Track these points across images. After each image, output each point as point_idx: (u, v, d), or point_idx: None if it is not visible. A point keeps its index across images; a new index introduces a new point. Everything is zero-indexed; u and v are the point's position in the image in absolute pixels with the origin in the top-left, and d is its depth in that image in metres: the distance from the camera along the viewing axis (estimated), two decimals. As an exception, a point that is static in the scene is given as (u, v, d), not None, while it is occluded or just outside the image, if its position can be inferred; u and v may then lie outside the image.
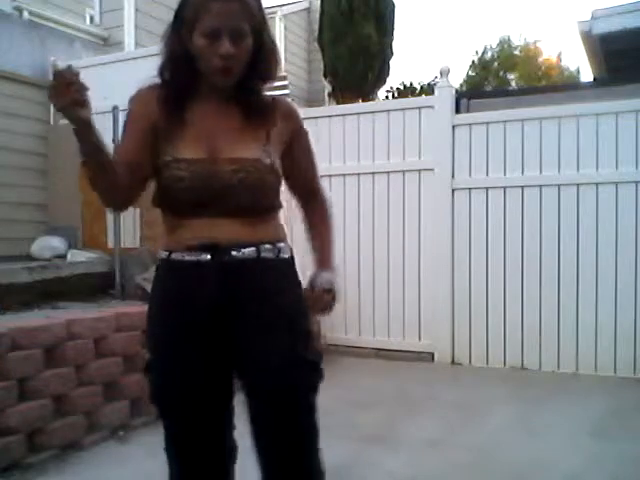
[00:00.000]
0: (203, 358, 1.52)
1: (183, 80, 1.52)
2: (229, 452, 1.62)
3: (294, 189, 1.69)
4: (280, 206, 1.60)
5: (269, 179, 1.52)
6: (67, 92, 1.30)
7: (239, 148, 1.50)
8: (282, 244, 1.57)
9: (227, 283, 1.48)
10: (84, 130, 1.37)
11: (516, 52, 23.04)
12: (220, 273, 1.48)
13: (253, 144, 1.51)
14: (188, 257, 1.49)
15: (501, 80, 21.77)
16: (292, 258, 1.60)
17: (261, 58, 1.52)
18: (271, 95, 1.60)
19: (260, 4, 1.52)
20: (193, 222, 1.49)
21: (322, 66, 10.09)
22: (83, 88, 1.33)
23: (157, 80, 1.56)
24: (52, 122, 6.09)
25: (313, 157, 1.68)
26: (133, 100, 1.58)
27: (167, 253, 1.53)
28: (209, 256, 1.47)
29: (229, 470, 1.63)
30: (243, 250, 1.49)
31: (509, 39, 23.13)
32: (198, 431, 1.55)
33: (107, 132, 6.17)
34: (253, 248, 1.50)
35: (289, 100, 1.70)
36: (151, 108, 1.52)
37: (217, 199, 1.47)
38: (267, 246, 1.53)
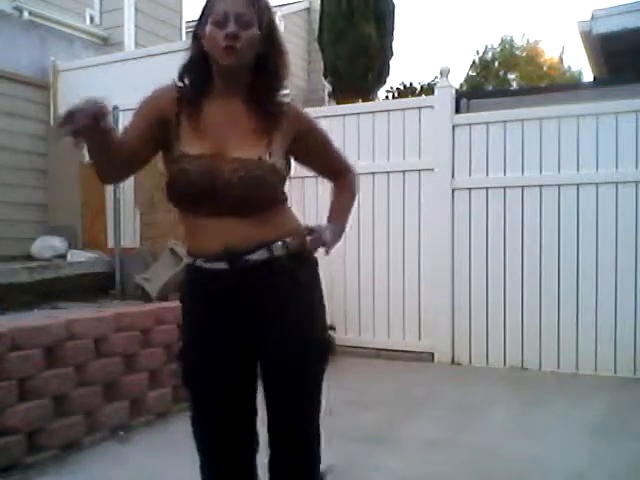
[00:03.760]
0: (225, 344, 1.66)
1: (199, 79, 1.64)
2: (252, 436, 1.73)
3: (321, 175, 1.93)
4: (284, 200, 1.69)
5: (269, 178, 1.60)
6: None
7: (242, 148, 1.59)
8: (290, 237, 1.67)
9: (243, 287, 1.62)
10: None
11: (518, 52, 23.00)
12: (236, 278, 1.60)
13: (256, 144, 1.60)
14: (207, 265, 1.62)
15: (501, 80, 21.75)
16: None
17: (270, 61, 1.63)
18: (286, 101, 1.71)
19: (269, 7, 1.65)
20: (206, 223, 1.60)
21: (322, 66, 10.10)
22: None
23: (174, 82, 1.68)
24: (52, 122, 6.09)
25: (330, 148, 1.84)
26: (149, 95, 1.69)
27: (192, 259, 1.67)
28: (225, 265, 1.60)
29: (253, 454, 1.74)
30: (255, 253, 1.60)
31: (511, 39, 23.10)
32: (223, 410, 1.68)
33: (107, 132, 6.06)
34: (264, 249, 1.61)
35: (299, 105, 1.82)
36: (164, 104, 1.64)
37: (220, 196, 1.56)
38: (278, 244, 1.62)
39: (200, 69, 1.63)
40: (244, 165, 1.56)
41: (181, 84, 1.66)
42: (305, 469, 1.68)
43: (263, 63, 1.63)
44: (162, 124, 1.62)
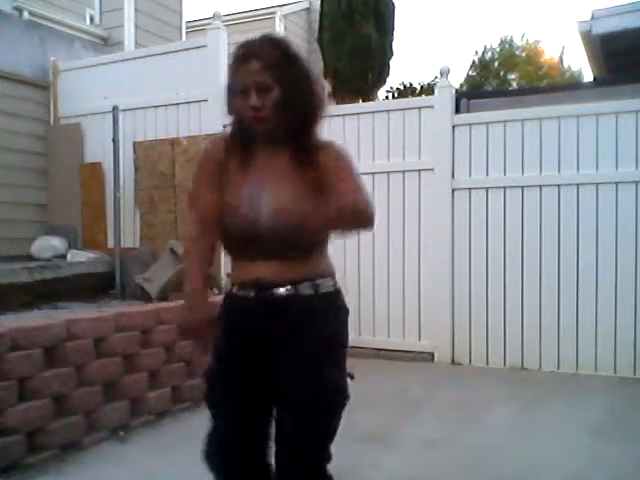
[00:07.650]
0: (245, 374, 1.74)
1: (243, 137, 1.74)
2: (266, 466, 1.79)
3: None
4: (321, 245, 1.75)
5: (305, 224, 1.63)
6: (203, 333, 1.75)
7: (276, 197, 1.65)
8: (321, 280, 1.72)
9: (265, 316, 1.70)
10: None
11: (518, 52, 22.99)
12: (260, 307, 1.70)
13: (292, 192, 1.66)
14: (240, 292, 1.75)
15: (501, 80, 21.75)
16: (335, 291, 1.77)
17: (298, 100, 1.68)
18: (324, 141, 1.77)
19: (284, 51, 1.69)
20: (245, 262, 1.73)
21: (322, 66, 10.10)
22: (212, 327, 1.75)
23: (221, 133, 1.81)
24: (52, 122, 6.09)
25: (342, 176, 1.75)
26: (205, 154, 1.83)
27: (231, 287, 1.80)
28: (253, 293, 1.71)
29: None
30: (281, 288, 1.69)
31: (511, 39, 23.08)
32: (239, 435, 1.74)
33: (107, 131, 6.14)
34: (290, 286, 1.69)
35: (337, 144, 1.82)
36: (219, 155, 1.76)
37: (255, 242, 1.67)
38: (305, 284, 1.69)
39: (241, 129, 1.73)
40: (276, 216, 1.63)
41: (228, 135, 1.77)
42: None
43: (289, 103, 1.67)
44: (220, 171, 1.74)
